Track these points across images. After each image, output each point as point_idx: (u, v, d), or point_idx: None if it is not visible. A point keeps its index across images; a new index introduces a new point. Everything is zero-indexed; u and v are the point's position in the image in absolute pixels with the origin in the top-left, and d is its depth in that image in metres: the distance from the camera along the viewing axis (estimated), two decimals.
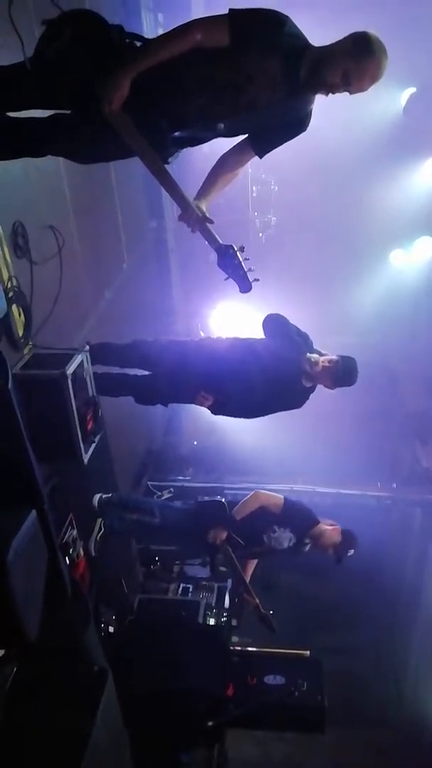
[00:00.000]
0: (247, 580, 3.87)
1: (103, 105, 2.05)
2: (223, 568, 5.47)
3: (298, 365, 3.33)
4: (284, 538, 3.79)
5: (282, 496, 3.93)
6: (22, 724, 2.21)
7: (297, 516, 3.87)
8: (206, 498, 4.03)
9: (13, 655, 2.30)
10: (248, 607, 3.81)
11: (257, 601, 3.75)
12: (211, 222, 2.29)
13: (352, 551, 3.77)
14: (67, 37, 2.09)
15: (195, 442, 7.21)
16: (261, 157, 2.40)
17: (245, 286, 2.27)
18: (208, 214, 2.30)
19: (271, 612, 3.72)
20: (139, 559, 5.17)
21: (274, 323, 3.37)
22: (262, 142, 2.36)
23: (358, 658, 6.94)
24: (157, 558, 5.35)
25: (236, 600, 5.28)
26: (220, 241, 2.27)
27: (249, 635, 5.51)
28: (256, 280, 2.26)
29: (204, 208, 2.31)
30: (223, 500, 3.93)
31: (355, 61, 2.04)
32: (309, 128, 2.31)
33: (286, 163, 6.31)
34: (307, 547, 3.87)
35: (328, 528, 3.81)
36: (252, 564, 4.01)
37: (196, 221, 2.27)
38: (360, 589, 7.09)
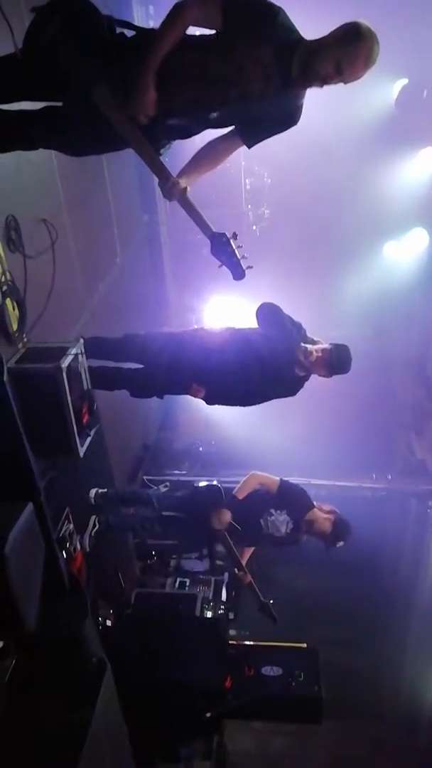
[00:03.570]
0: (244, 562, 3.87)
1: (138, 117, 2.08)
2: (220, 562, 5.51)
3: (292, 354, 3.34)
4: (281, 521, 3.79)
5: (278, 478, 3.93)
6: (22, 715, 2.21)
7: (293, 498, 3.88)
8: (202, 483, 4.02)
9: (11, 647, 2.30)
10: (241, 584, 3.83)
11: (249, 577, 3.74)
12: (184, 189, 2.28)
13: (341, 543, 3.77)
14: (56, 25, 2.08)
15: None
16: (249, 147, 2.40)
17: (238, 274, 2.28)
18: (189, 191, 2.30)
19: (272, 601, 3.70)
20: (136, 553, 5.19)
21: (267, 312, 3.38)
22: (251, 133, 2.35)
23: (354, 651, 6.98)
24: (153, 552, 5.37)
25: (232, 593, 5.32)
26: (213, 230, 2.27)
27: (246, 628, 5.54)
28: (250, 267, 2.27)
29: (183, 184, 2.31)
30: (218, 484, 3.91)
31: (345, 49, 2.04)
32: (302, 121, 2.31)
33: (279, 156, 6.31)
34: (304, 536, 3.88)
35: (322, 516, 3.82)
36: (249, 550, 3.99)
37: (177, 190, 2.27)
38: (356, 582, 7.12)
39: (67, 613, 2.71)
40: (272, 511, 3.81)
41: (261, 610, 3.72)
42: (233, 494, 3.85)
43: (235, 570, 3.79)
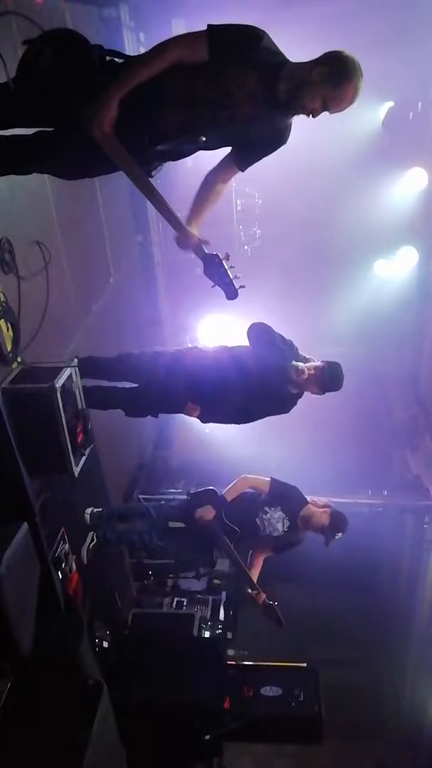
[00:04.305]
0: (255, 575, 3.76)
1: (93, 128, 2.07)
2: (217, 581, 5.47)
3: (284, 372, 3.37)
4: (277, 518, 3.77)
5: (268, 478, 3.92)
6: (18, 738, 2.19)
7: (286, 495, 3.87)
8: (197, 489, 4.01)
9: (7, 669, 2.28)
10: (254, 604, 3.63)
11: (264, 596, 3.62)
12: (207, 243, 2.33)
13: (340, 534, 3.74)
14: (48, 56, 2.12)
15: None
16: (243, 170, 2.45)
17: (231, 294, 2.31)
18: (200, 236, 2.35)
19: (276, 603, 3.59)
20: (133, 573, 5.15)
21: (257, 332, 3.41)
22: (243, 157, 2.40)
23: (355, 671, 6.91)
24: (150, 572, 5.33)
25: (230, 612, 5.27)
26: (206, 251, 2.31)
27: (245, 648, 5.49)
28: (242, 287, 2.30)
29: (196, 231, 2.37)
30: (213, 488, 3.90)
31: (332, 87, 2.09)
32: (291, 142, 2.35)
33: (269, 177, 6.39)
34: (303, 536, 3.85)
35: (318, 510, 3.81)
36: (260, 559, 3.88)
37: (194, 246, 2.32)
38: (354, 599, 7.08)
39: (63, 635, 2.70)
40: (266, 509, 3.79)
41: (266, 613, 3.63)
42: (222, 495, 3.84)
43: (247, 589, 3.66)
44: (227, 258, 2.29)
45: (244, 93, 2.14)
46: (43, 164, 2.49)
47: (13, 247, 3.19)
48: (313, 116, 2.17)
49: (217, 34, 2.09)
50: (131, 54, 2.27)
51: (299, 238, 7.76)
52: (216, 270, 2.27)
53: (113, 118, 2.07)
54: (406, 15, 6.27)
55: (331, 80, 2.08)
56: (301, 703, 4.05)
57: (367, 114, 7.19)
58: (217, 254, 2.29)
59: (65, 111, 2.17)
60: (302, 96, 2.12)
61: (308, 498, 3.89)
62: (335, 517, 3.77)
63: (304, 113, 2.18)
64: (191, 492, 3.99)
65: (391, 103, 7.18)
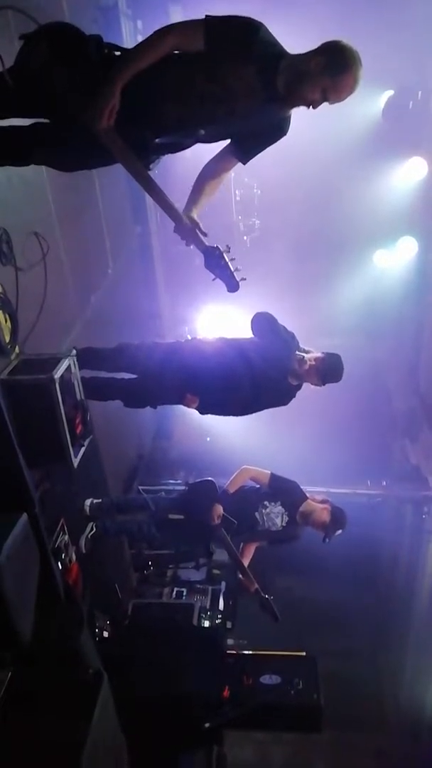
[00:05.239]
0: (246, 563, 3.80)
1: (93, 120, 2.06)
2: (217, 571, 5.49)
3: (286, 363, 3.37)
4: (276, 513, 3.79)
5: (269, 472, 3.94)
6: (18, 728, 2.20)
7: (286, 490, 3.89)
8: (196, 480, 4.02)
9: (7, 660, 2.29)
10: (247, 592, 3.70)
11: (256, 585, 3.67)
12: (205, 234, 2.32)
13: (340, 531, 3.77)
14: (44, 50, 2.12)
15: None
16: (244, 163, 2.44)
17: (233, 286, 2.29)
18: (200, 225, 2.33)
19: (272, 597, 3.63)
20: (133, 564, 5.17)
21: (262, 321, 3.40)
22: (243, 149, 2.39)
23: (354, 660, 6.96)
24: (150, 563, 5.35)
25: (230, 602, 5.30)
26: (206, 243, 2.29)
27: (244, 637, 5.52)
28: (243, 279, 2.28)
29: (195, 218, 2.35)
30: (212, 479, 3.91)
31: (331, 78, 2.07)
32: (290, 132, 2.34)
33: (268, 167, 6.36)
34: (301, 531, 3.87)
35: (318, 506, 3.83)
36: (251, 548, 3.93)
37: (191, 233, 2.30)
38: (353, 589, 7.12)
39: (63, 625, 2.71)
40: (266, 503, 3.81)
41: (262, 607, 3.66)
42: (225, 488, 3.86)
43: (239, 575, 3.72)
44: (228, 250, 2.26)
45: (243, 86, 2.12)
46: (41, 156, 2.48)
47: (11, 238, 3.18)
48: (313, 107, 2.15)
49: (214, 25, 2.07)
50: (129, 46, 2.25)
51: (298, 229, 7.74)
52: (217, 263, 2.25)
53: (114, 109, 2.06)
54: (406, 2, 6.22)
55: (330, 71, 2.07)
56: (301, 691, 4.07)
57: (366, 103, 7.14)
58: (217, 246, 2.27)
59: (63, 104, 2.16)
60: (302, 87, 2.10)
61: (307, 493, 3.91)
62: (335, 513, 3.79)
63: (304, 105, 2.16)
64: (190, 483, 4.01)
65: (390, 92, 7.13)
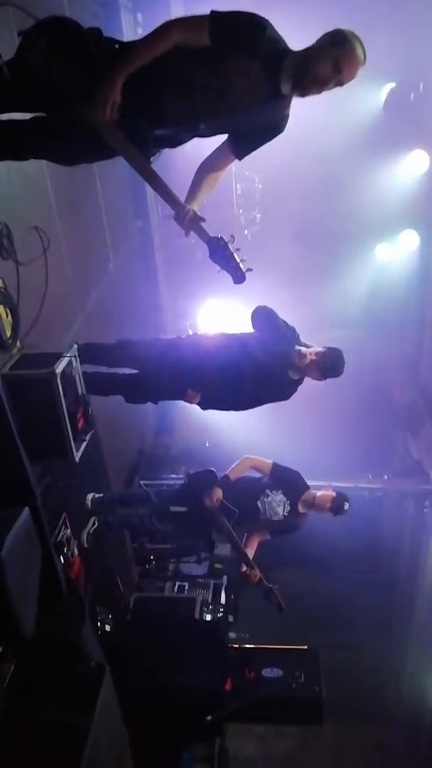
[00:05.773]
0: (251, 554, 3.78)
1: (95, 113, 2.05)
2: (218, 565, 5.50)
3: (287, 358, 3.36)
4: (278, 502, 3.80)
5: (270, 461, 3.94)
6: (21, 720, 2.22)
7: (287, 479, 3.90)
8: (197, 470, 4.02)
9: (10, 653, 2.30)
10: (251, 582, 3.68)
11: (260, 574, 3.66)
12: (203, 220, 2.29)
13: (347, 504, 3.79)
14: (43, 45, 2.11)
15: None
16: (240, 159, 2.43)
17: (239, 278, 2.26)
18: (199, 213, 2.32)
19: (276, 586, 3.62)
20: (135, 558, 5.19)
21: (262, 315, 3.39)
22: (241, 145, 2.38)
23: (356, 654, 6.97)
24: (152, 557, 5.37)
25: (231, 596, 5.32)
26: (210, 234, 2.27)
27: (246, 631, 5.54)
28: (250, 269, 2.24)
29: (195, 208, 2.33)
30: (213, 469, 3.91)
31: (339, 48, 2.07)
32: (292, 126, 2.32)
33: (269, 160, 6.34)
34: (302, 521, 3.87)
35: (320, 492, 3.85)
36: (255, 541, 3.90)
37: (190, 221, 2.28)
38: (355, 583, 7.12)
39: (66, 618, 2.73)
40: (268, 492, 3.82)
41: (266, 597, 3.64)
42: (226, 474, 3.86)
43: (242, 566, 3.70)
44: (232, 240, 2.23)
45: (246, 82, 2.11)
46: (41, 150, 2.48)
47: (11, 232, 3.17)
48: (325, 86, 2.11)
49: (219, 21, 2.06)
50: (129, 39, 2.24)
51: (300, 222, 7.71)
52: (222, 254, 2.22)
53: (116, 103, 2.06)
54: None
55: (335, 43, 2.07)
56: (302, 684, 4.11)
57: (367, 96, 7.10)
58: (221, 237, 2.23)
59: (63, 98, 2.15)
60: (312, 67, 2.07)
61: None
62: (338, 494, 3.83)
63: (315, 89, 2.12)
64: (191, 473, 4.01)
65: (392, 85, 7.09)
